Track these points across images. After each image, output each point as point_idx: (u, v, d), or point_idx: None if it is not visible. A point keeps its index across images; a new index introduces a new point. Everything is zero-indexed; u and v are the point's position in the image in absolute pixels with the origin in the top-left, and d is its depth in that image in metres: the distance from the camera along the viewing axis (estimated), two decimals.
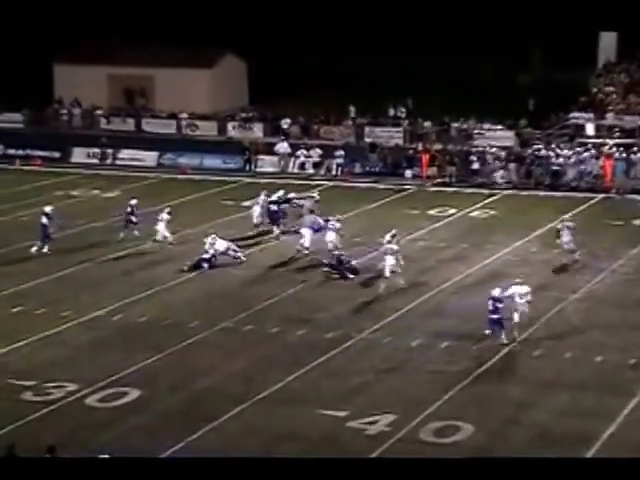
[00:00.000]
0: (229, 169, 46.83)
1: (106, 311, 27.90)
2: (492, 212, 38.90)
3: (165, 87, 53.79)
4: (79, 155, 49.58)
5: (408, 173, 44.68)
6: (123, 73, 54.50)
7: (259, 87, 54.91)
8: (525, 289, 25.51)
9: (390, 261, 28.91)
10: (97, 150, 49.24)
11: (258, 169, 46.71)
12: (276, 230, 34.79)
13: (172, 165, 47.91)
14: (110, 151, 49.04)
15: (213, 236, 32.19)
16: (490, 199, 40.93)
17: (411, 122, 48.53)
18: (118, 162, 48.73)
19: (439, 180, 43.90)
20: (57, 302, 28.61)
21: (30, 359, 24.67)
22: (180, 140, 50.03)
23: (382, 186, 43.29)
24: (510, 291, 25.34)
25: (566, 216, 33.17)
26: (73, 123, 53.36)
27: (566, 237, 31.12)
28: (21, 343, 25.60)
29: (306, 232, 32.33)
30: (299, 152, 46.09)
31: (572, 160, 42.96)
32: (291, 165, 46.38)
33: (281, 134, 48.40)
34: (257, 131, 50.23)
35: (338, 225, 32.03)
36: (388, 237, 29.66)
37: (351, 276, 30.43)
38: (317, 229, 32.48)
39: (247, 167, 46.84)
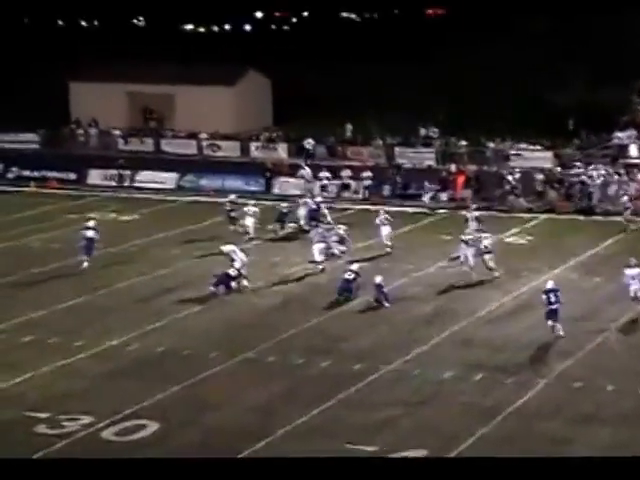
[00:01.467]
0: (251, 191, 46.93)
1: (121, 341, 28.03)
2: (529, 237, 38.77)
3: (185, 105, 53.92)
4: (96, 177, 49.87)
5: (443, 196, 44.61)
6: (142, 91, 54.72)
7: (284, 105, 54.95)
8: (637, 270, 29.01)
9: (489, 262, 33.09)
10: (114, 172, 49.49)
11: (281, 192, 46.75)
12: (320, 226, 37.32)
13: (193, 187, 48.13)
14: (128, 173, 49.27)
15: (233, 248, 32.58)
16: (528, 224, 40.82)
17: (445, 142, 48.49)
18: (136, 184, 48.94)
19: (476, 205, 43.80)
20: (70, 331, 28.76)
21: (43, 390, 24.81)
22: (201, 161, 50.16)
23: (412, 210, 43.25)
24: (625, 272, 29.19)
25: (474, 206, 38.68)
26: (90, 144, 53.68)
27: (472, 225, 36.59)
28: (33, 374, 25.76)
29: (315, 247, 34.01)
30: (322, 174, 45.95)
31: (598, 182, 42.87)
32: (316, 188, 46.41)
33: (304, 156, 48.46)
34: (281, 152, 50.36)
35: (390, 218, 36.87)
36: (487, 242, 33.64)
37: (387, 304, 30.49)
38: (330, 251, 34.88)
39: (269, 189, 46.96)
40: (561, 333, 27.38)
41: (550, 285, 28.14)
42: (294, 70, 58.07)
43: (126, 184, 49.06)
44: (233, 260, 32.21)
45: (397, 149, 48.41)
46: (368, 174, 45.93)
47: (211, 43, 69.57)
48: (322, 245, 34.38)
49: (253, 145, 50.87)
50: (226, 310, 30.68)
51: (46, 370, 26.03)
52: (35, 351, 27.35)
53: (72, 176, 49.86)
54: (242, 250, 33.16)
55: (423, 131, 49.80)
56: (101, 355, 27.11)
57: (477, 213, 37.77)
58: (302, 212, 39.56)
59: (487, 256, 33.19)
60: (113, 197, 46.67)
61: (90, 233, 34.79)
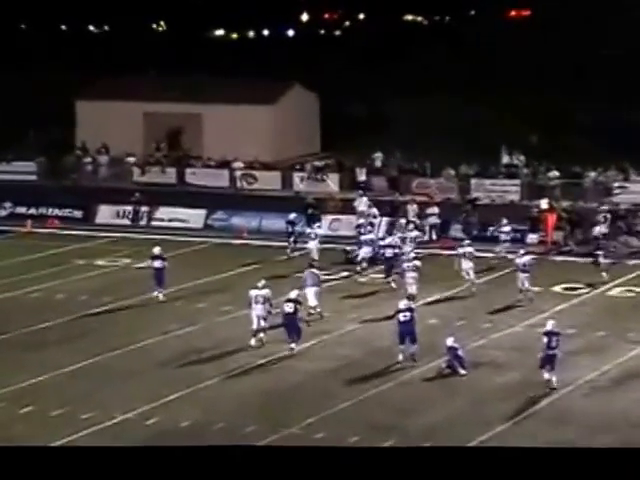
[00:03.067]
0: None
1: (138, 413, 28.22)
2: (638, 289, 38.65)
3: (215, 128, 54.46)
4: (106, 214, 50.49)
5: (532, 238, 44.50)
6: (163, 110, 55.29)
7: (335, 128, 55.19)
8: None
9: (524, 281, 36.59)
10: (129, 208, 50.10)
11: (332, 232, 46.66)
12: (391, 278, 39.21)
13: (223, 227, 48.50)
14: (145, 209, 49.87)
15: (267, 291, 33.03)
16: (635, 272, 40.64)
17: (532, 172, 48.44)
18: (155, 223, 49.52)
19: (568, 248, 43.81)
20: (76, 401, 28.97)
21: None
22: (233, 195, 50.63)
23: (493, 254, 43.18)
24: None
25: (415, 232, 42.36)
26: (99, 174, 54.35)
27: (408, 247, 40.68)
28: None
29: (309, 291, 35.08)
30: (372, 210, 45.83)
31: None
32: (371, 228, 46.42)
33: (357, 188, 48.60)
34: (331, 184, 50.60)
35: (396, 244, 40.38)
36: (525, 259, 37.07)
37: (463, 372, 30.59)
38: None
39: (308, 229, 46.89)
40: (555, 385, 28.92)
41: (550, 326, 29.60)
42: (348, 84, 58.30)
43: (142, 223, 49.57)
44: (250, 304, 32.69)
45: (473, 180, 48.55)
46: (434, 211, 46.08)
47: (246, 52, 70.11)
48: (317, 289, 35.14)
49: (297, 176, 51.22)
50: (266, 375, 30.86)
51: None
52: (34, 425, 27.53)
53: (77, 214, 50.57)
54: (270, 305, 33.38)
55: (506, 158, 49.80)
56: (113, 431, 27.25)
57: (415, 233, 42.29)
58: (365, 252, 41.30)
59: (522, 275, 36.39)
60: (127, 238, 47.06)
61: (157, 263, 37.63)
